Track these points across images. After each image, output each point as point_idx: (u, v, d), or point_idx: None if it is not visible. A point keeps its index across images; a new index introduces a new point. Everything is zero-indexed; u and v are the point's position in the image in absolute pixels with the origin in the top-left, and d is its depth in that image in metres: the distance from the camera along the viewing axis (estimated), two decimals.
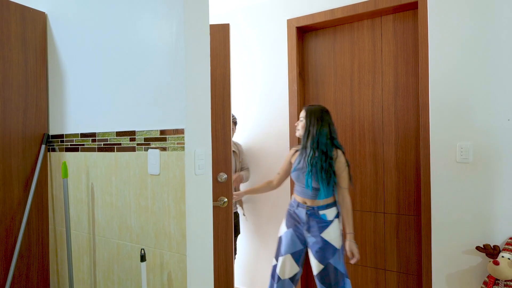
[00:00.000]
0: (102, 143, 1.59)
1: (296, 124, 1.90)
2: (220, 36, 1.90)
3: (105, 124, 1.59)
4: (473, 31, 1.73)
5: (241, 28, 2.53)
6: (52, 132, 1.83)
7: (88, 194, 1.66)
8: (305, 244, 1.82)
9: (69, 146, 1.74)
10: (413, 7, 1.94)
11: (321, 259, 1.72)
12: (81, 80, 1.70)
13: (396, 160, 2.04)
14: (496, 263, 1.53)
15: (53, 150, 1.82)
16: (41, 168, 1.77)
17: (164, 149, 1.39)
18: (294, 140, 2.29)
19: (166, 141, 1.39)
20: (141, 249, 1.34)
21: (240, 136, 2.57)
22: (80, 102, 1.70)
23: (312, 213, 1.77)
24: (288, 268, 1.81)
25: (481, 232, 1.71)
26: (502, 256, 1.57)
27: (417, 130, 1.96)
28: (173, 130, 1.37)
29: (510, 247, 1.59)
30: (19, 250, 1.65)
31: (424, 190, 1.85)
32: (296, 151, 1.93)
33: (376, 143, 2.11)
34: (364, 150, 2.15)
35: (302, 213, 1.81)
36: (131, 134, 1.50)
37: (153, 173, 1.42)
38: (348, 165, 1.80)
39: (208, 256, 1.45)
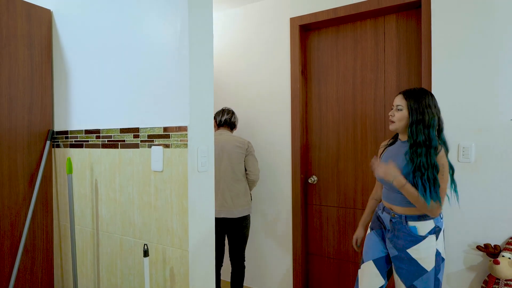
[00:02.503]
0: (106, 139, 1.61)
1: (391, 114, 1.47)
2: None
3: (109, 121, 1.61)
4: (476, 30, 1.73)
5: (244, 26, 2.54)
6: (57, 128, 1.85)
7: (92, 190, 1.68)
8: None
9: (73, 143, 1.76)
10: (417, 6, 1.94)
11: (405, 279, 1.38)
12: (85, 77, 1.71)
13: None
14: (497, 263, 1.54)
15: (58, 146, 1.84)
16: (46, 164, 1.80)
17: (167, 146, 1.41)
18: (296, 138, 2.30)
19: (169, 138, 1.41)
20: (144, 245, 1.36)
21: (242, 134, 2.58)
22: (85, 99, 1.72)
23: (399, 222, 1.42)
24: (367, 278, 1.48)
25: (482, 232, 1.72)
26: (503, 256, 1.57)
27: None
28: (177, 127, 1.38)
29: (511, 246, 1.59)
30: (24, 244, 1.68)
31: None
32: (386, 146, 1.58)
33: (378, 142, 2.11)
34: (366, 149, 2.16)
35: (386, 219, 1.48)
36: (135, 131, 1.52)
37: (156, 170, 1.43)
38: (452, 169, 1.42)
39: (210, 252, 1.47)
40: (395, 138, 1.57)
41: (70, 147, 1.77)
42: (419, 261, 1.35)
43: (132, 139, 1.52)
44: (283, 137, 2.37)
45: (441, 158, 1.36)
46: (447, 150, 1.41)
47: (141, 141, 1.49)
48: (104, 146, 1.62)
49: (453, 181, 1.43)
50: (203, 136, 1.44)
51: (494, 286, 1.59)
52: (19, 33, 1.71)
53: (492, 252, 1.63)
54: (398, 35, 2.05)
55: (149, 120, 1.47)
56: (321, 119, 2.32)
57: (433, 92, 1.83)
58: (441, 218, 1.42)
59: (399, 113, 1.43)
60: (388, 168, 1.38)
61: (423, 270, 1.35)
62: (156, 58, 1.45)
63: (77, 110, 1.75)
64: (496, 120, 1.68)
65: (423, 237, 1.36)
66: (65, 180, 1.79)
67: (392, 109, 1.49)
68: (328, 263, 2.29)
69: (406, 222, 1.39)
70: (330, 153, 2.28)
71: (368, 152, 2.15)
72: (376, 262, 1.48)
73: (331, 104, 2.27)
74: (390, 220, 1.45)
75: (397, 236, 1.41)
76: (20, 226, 1.69)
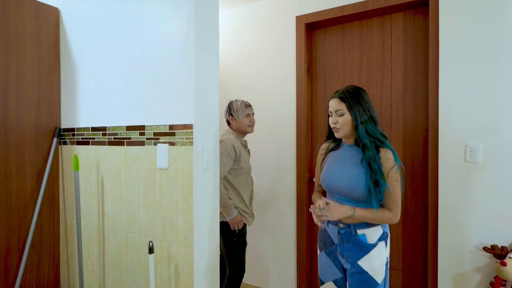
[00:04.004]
0: (113, 137, 1.62)
1: (333, 122, 1.33)
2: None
3: (115, 118, 1.62)
4: (484, 29, 1.70)
5: (249, 24, 2.54)
6: (64, 125, 1.87)
7: (98, 187, 1.69)
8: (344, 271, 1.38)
9: (80, 140, 1.78)
10: (424, 3, 1.92)
11: None
12: (92, 75, 1.73)
13: (404, 159, 2.02)
14: (504, 264, 1.52)
15: (65, 143, 1.86)
16: (53, 160, 1.82)
17: (172, 143, 1.41)
18: (301, 137, 2.29)
19: (174, 136, 1.41)
20: (150, 242, 1.37)
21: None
22: (92, 97, 1.73)
23: (347, 232, 1.32)
24: None
25: (489, 233, 1.70)
26: (510, 257, 1.55)
27: (425, 129, 1.95)
28: (182, 125, 1.39)
29: None
30: (31, 240, 1.70)
31: (431, 189, 1.83)
32: (329, 151, 1.44)
33: None
34: None
35: (334, 232, 1.37)
36: (140, 128, 1.52)
37: (161, 167, 1.44)
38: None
39: (215, 250, 1.48)
40: (338, 141, 1.42)
41: (76, 144, 1.79)
42: (370, 273, 1.27)
43: (138, 136, 1.53)
44: (288, 136, 2.36)
45: (391, 157, 1.28)
46: (391, 149, 1.31)
47: (147, 138, 1.50)
48: (110, 143, 1.63)
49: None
50: (208, 134, 1.44)
51: (500, 287, 1.57)
52: (27, 32, 1.72)
53: (499, 253, 1.61)
54: (405, 33, 2.03)
55: (155, 118, 1.48)
56: (326, 117, 2.31)
57: (440, 91, 1.81)
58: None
59: (341, 118, 1.30)
60: (339, 209, 1.26)
61: (374, 284, 1.27)
62: (162, 56, 1.45)
63: (84, 107, 1.77)
64: (504, 120, 1.66)
65: (374, 245, 1.28)
66: (72, 177, 1.81)
67: (330, 116, 1.35)
68: None
69: (355, 231, 1.30)
70: None
71: None
72: (336, 282, 1.39)
73: None
74: (338, 232, 1.34)
75: (347, 248, 1.31)
76: (27, 222, 1.72)
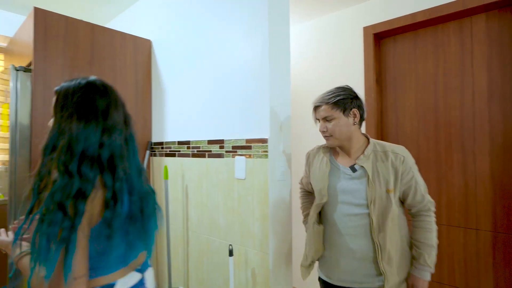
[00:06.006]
0: (196, 150, 1.83)
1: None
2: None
3: (198, 133, 1.83)
4: None
5: (315, 38, 2.60)
6: (154, 139, 2.16)
7: (183, 194, 1.91)
8: None
9: (168, 152, 2.03)
10: (510, 3, 1.76)
11: None
12: (178, 96, 1.98)
13: (492, 172, 1.84)
14: None
15: (155, 155, 2.14)
16: (146, 170, 2.11)
17: (249, 156, 1.54)
18: None
19: (251, 149, 1.54)
20: (229, 245, 1.50)
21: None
22: (177, 115, 1.98)
23: None
24: None
25: None
26: None
27: None
28: (258, 139, 1.51)
29: None
30: None
31: None
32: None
33: (466, 152, 1.94)
34: (451, 160, 2.00)
35: None
36: (220, 142, 1.69)
37: (239, 178, 1.58)
38: None
39: (288, 256, 1.55)
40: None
41: (165, 156, 2.05)
42: None
43: (218, 149, 1.70)
44: None
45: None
46: None
47: (226, 151, 1.66)
48: (194, 155, 1.84)
49: None
50: (282, 147, 1.54)
51: None
52: (128, 62, 2.06)
53: None
54: (489, 35, 1.88)
55: (233, 132, 1.64)
56: (397, 128, 2.23)
57: None
58: None
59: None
60: None
61: None
62: (238, 76, 1.61)
63: (171, 124, 2.02)
64: None
65: None
66: (161, 185, 2.08)
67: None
68: None
69: None
70: None
71: (454, 163, 1.99)
72: None
73: (409, 112, 2.17)
74: None
75: None
76: None
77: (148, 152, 2.11)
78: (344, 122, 1.20)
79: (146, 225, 0.88)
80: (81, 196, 0.71)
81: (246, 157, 1.55)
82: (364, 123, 2.28)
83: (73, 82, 0.83)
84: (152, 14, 2.23)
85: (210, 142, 1.75)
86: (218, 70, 1.71)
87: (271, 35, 1.50)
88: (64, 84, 0.84)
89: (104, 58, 1.94)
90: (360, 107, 1.23)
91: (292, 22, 2.70)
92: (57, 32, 1.75)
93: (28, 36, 1.75)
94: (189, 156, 1.87)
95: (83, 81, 0.84)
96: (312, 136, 2.66)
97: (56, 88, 0.84)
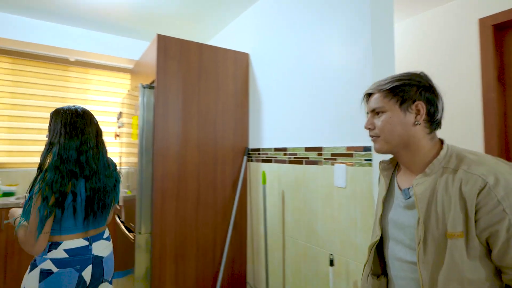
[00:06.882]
0: (293, 156, 1.87)
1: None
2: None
3: (295, 140, 1.87)
4: None
5: (423, 33, 2.39)
6: (251, 146, 2.29)
7: (279, 199, 1.97)
8: None
9: (264, 158, 2.13)
10: None
11: None
12: (274, 104, 2.06)
13: None
14: None
15: (251, 160, 2.27)
16: (243, 174, 2.25)
17: (350, 164, 1.50)
18: None
19: (352, 157, 1.50)
20: (330, 254, 1.48)
21: None
22: (273, 122, 2.06)
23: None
24: None
25: None
26: None
27: None
28: (360, 147, 1.46)
29: None
30: (230, 237, 2.15)
31: None
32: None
33: None
34: None
35: None
36: (318, 149, 1.70)
37: (339, 186, 1.55)
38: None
39: None
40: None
41: (261, 162, 2.16)
42: None
43: (316, 156, 1.71)
44: None
45: None
46: None
47: (324, 159, 1.65)
48: (291, 162, 1.89)
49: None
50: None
51: None
52: (229, 74, 2.24)
53: None
54: None
55: (332, 140, 1.62)
56: None
57: None
58: (43, 254, 1.19)
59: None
60: None
61: None
62: (338, 83, 1.59)
63: (267, 131, 2.12)
64: None
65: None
66: (256, 188, 2.18)
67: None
68: None
69: None
70: None
71: None
72: None
73: None
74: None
75: None
76: (226, 222, 2.18)
77: (245, 157, 2.25)
78: (399, 119, 0.80)
79: (101, 209, 1.29)
80: (59, 185, 1.16)
81: (347, 165, 1.52)
82: (481, 128, 1.98)
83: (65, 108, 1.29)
84: (250, 29, 2.38)
85: (308, 149, 1.76)
86: (316, 77, 1.72)
87: (374, 40, 1.44)
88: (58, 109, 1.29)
89: (209, 73, 2.16)
90: (430, 102, 0.80)
91: (397, 19, 2.54)
92: (174, 53, 2.02)
93: (152, 58, 2.06)
94: (285, 163, 1.93)
95: (72, 108, 1.30)
96: None
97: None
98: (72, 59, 3.07)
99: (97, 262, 1.26)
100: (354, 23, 1.51)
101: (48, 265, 1.16)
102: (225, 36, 2.81)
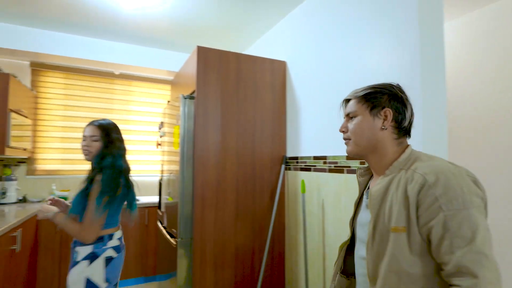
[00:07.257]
0: (333, 165, 1.84)
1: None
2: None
3: (335, 149, 1.83)
4: None
5: (475, 32, 2.26)
6: (289, 154, 2.28)
7: (319, 208, 1.94)
8: None
9: (303, 166, 2.11)
10: None
11: None
12: (312, 112, 2.04)
13: None
14: None
15: (289, 169, 2.26)
16: (281, 183, 2.24)
17: None
18: None
19: None
20: None
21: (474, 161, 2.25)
22: (312, 130, 2.04)
23: (72, 248, 1.48)
24: None
25: None
26: None
27: None
28: None
29: None
30: (268, 245, 2.14)
31: None
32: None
33: None
34: None
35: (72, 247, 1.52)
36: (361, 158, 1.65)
37: None
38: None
39: None
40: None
41: (300, 170, 2.14)
42: (69, 286, 1.38)
43: (358, 165, 1.66)
44: None
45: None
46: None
47: None
48: (331, 170, 1.85)
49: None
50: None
51: None
52: (267, 83, 2.26)
53: None
54: None
55: None
56: None
57: None
58: (103, 245, 1.42)
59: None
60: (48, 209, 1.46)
61: None
62: None
63: (305, 139, 2.10)
64: None
65: (77, 262, 1.39)
66: (294, 197, 2.16)
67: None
68: None
69: (74, 247, 1.43)
70: None
71: None
72: None
73: None
74: (71, 247, 1.48)
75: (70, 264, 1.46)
76: (265, 230, 2.18)
77: (283, 166, 2.25)
78: (369, 123, 0.85)
79: (123, 205, 1.53)
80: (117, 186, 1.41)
81: None
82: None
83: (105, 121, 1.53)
84: (286, 37, 2.39)
85: (349, 157, 1.72)
86: (359, 84, 1.69)
87: (422, 43, 1.38)
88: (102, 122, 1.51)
89: (247, 82, 2.19)
90: (399, 110, 0.84)
91: (447, 18, 2.43)
92: (213, 64, 2.08)
93: (192, 69, 2.14)
94: (325, 171, 1.90)
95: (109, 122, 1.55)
96: (480, 153, 2.32)
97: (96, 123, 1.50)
98: (117, 72, 3.27)
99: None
100: (400, 25, 1.46)
101: (110, 252, 1.43)
102: (261, 45, 2.84)
